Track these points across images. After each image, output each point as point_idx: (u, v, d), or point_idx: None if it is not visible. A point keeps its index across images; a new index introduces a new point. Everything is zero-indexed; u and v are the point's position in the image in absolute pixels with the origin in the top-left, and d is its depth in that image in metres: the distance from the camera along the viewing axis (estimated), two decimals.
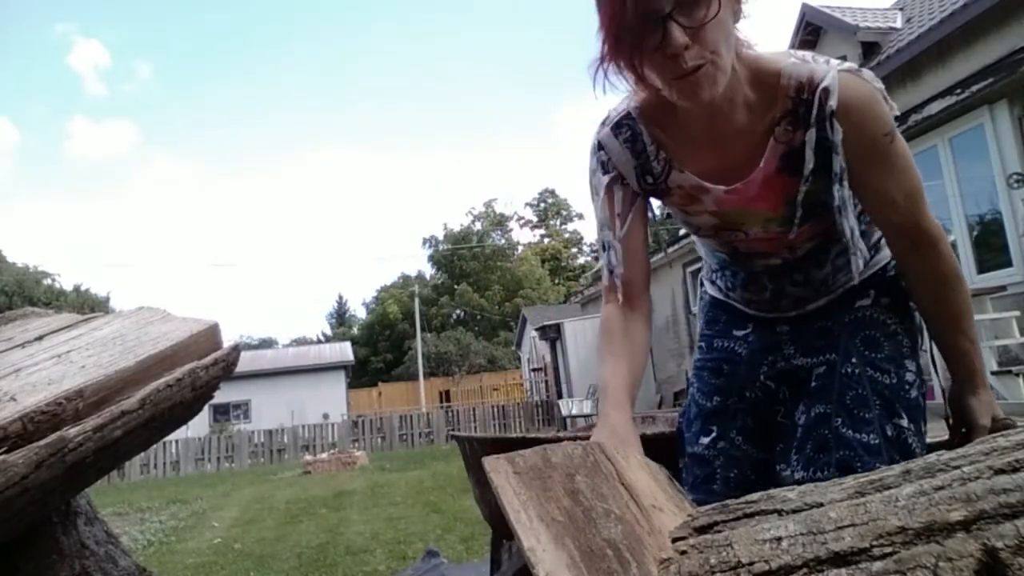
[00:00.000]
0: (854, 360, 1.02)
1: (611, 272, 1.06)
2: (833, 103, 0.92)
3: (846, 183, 0.94)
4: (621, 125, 1.05)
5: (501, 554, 1.25)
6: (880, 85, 0.96)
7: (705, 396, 1.17)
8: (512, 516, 0.47)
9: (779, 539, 0.48)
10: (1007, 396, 5.15)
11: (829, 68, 0.94)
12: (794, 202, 0.98)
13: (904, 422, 0.99)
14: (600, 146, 1.07)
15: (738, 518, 0.54)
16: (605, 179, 1.06)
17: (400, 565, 3.43)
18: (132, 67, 66.73)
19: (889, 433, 0.97)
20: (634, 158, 1.04)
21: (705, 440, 1.12)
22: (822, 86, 0.92)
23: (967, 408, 1.01)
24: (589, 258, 36.69)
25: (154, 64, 65.97)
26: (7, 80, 57.72)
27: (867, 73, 0.96)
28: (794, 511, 0.53)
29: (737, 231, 1.05)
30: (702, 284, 1.30)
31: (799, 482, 0.94)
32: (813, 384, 1.04)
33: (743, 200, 1.00)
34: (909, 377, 1.03)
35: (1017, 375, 5.28)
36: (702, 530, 0.53)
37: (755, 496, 0.58)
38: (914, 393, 1.03)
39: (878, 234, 1.09)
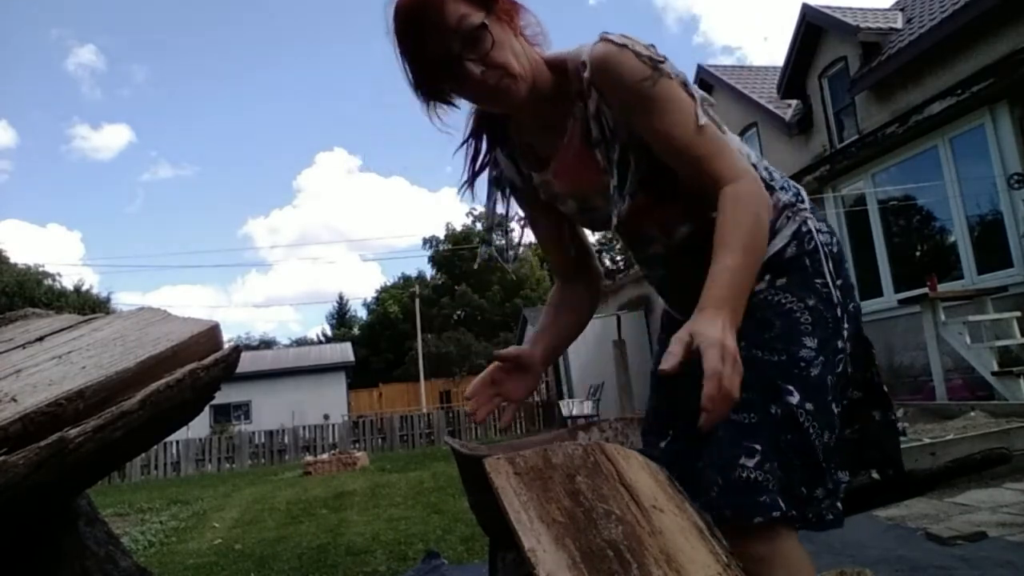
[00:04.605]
0: (742, 344, 0.96)
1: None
2: (587, 74, 1.02)
3: (615, 147, 1.04)
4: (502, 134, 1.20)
5: (498, 562, 1.25)
6: (628, 42, 1.01)
7: (660, 399, 1.18)
8: (513, 517, 0.46)
9: None
10: (1008, 396, 5.15)
11: (589, 44, 1.03)
12: (609, 171, 1.06)
13: (794, 399, 0.95)
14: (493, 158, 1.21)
15: None
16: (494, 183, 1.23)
17: (401, 566, 3.42)
18: (128, 71, 66.94)
19: (773, 411, 0.94)
20: (512, 162, 1.19)
21: (663, 444, 1.13)
22: (581, 60, 1.03)
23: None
24: None
25: (149, 68, 66.11)
26: (5, 83, 57.89)
27: (616, 35, 1.02)
28: None
29: (594, 211, 1.15)
30: None
31: (691, 464, 0.96)
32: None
33: (571, 179, 1.12)
34: (803, 354, 0.99)
35: (1018, 375, 5.27)
36: None
37: None
38: (815, 371, 0.98)
39: (770, 218, 1.07)
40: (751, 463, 0.90)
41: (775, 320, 1.01)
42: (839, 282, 1.07)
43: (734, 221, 0.94)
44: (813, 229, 1.09)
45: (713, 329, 0.84)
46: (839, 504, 0.97)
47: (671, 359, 0.81)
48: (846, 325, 1.06)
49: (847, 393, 1.06)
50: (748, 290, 0.93)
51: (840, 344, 1.04)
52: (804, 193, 1.15)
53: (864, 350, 1.11)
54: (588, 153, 1.06)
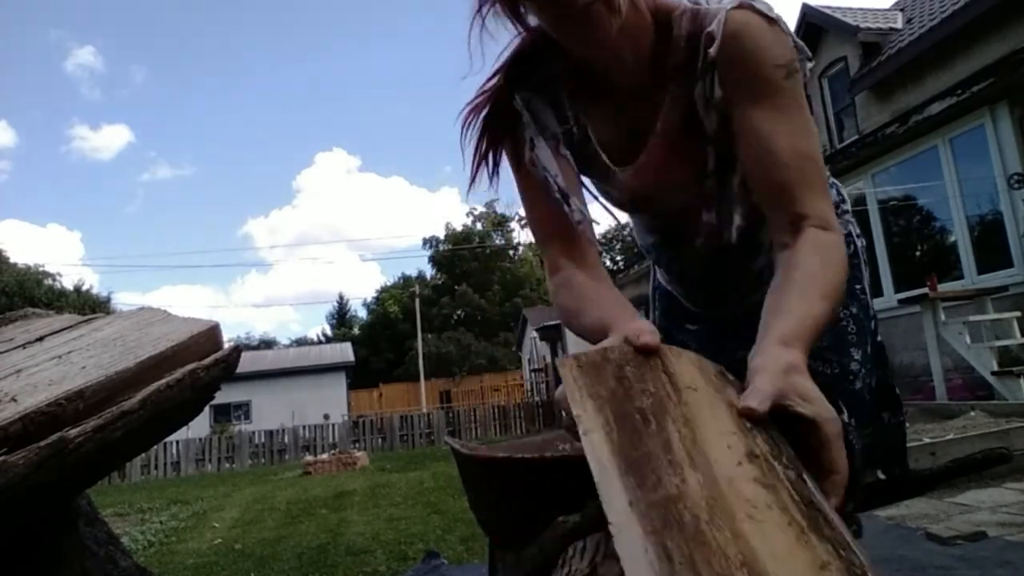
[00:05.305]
0: None
1: (578, 223, 0.90)
2: (714, 50, 0.80)
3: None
4: (542, 84, 0.93)
5: (497, 562, 1.24)
6: (779, 16, 0.82)
7: None
8: (569, 395, 0.60)
9: None
10: (1008, 396, 5.15)
11: (720, 8, 0.82)
12: (704, 165, 0.86)
13: (844, 416, 0.89)
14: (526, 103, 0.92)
15: None
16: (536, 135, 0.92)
17: (401, 566, 3.42)
18: (127, 72, 67.01)
19: None
20: (559, 124, 0.93)
21: None
22: (707, 31, 0.81)
23: (752, 366, 0.66)
24: None
25: (148, 69, 66.12)
26: (5, 84, 57.97)
27: (763, 4, 0.82)
28: None
29: (653, 199, 0.96)
30: (653, 269, 1.22)
31: None
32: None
33: (655, 175, 0.90)
34: (853, 367, 0.94)
35: (1018, 375, 5.27)
36: None
37: None
38: (858, 384, 0.94)
39: None
40: None
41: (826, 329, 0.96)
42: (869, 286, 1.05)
43: (828, 267, 0.75)
44: (854, 233, 1.04)
45: (823, 397, 0.61)
46: (856, 513, 0.95)
47: (764, 401, 0.58)
48: (879, 337, 1.04)
49: None
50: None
51: (870, 352, 1.00)
52: (844, 192, 1.11)
53: (878, 352, 1.08)
54: (687, 144, 0.87)
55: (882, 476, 1.08)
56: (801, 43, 0.83)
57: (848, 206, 1.08)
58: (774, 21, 0.81)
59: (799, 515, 0.49)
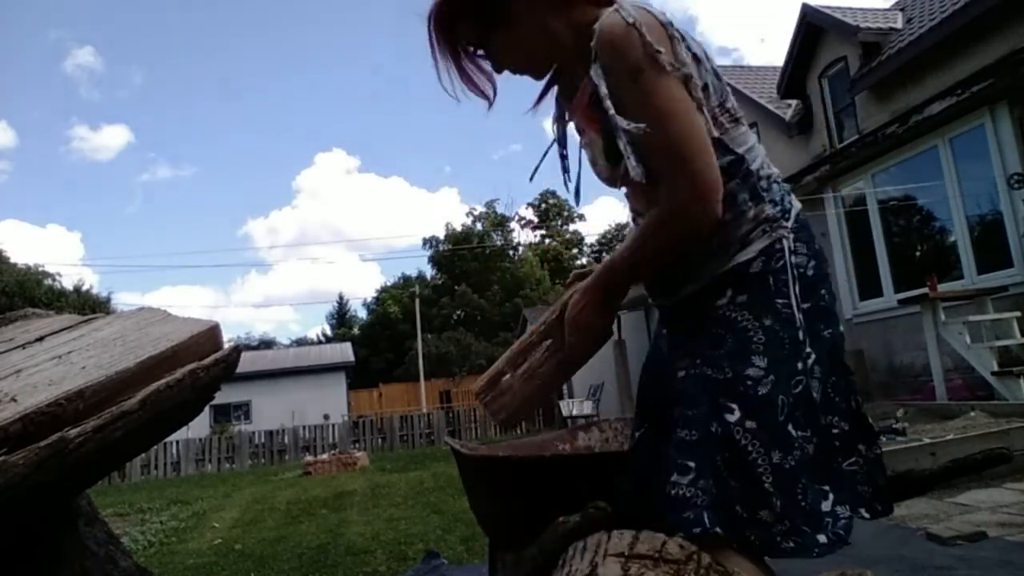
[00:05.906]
0: (697, 360, 1.00)
1: None
2: (593, 42, 0.98)
3: (622, 116, 0.99)
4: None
5: (497, 562, 1.25)
6: (637, 19, 0.95)
7: (639, 395, 1.23)
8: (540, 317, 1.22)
9: None
10: (1008, 396, 5.15)
11: (612, 8, 0.99)
12: (608, 134, 1.04)
13: (733, 417, 0.94)
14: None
15: None
16: None
17: (401, 566, 3.42)
18: (126, 72, 66.97)
19: (713, 429, 0.94)
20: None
21: (637, 434, 1.17)
22: (595, 26, 0.99)
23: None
24: (590, 259, 36.61)
25: (148, 69, 66.02)
26: (5, 84, 57.98)
27: (632, 8, 0.97)
28: None
29: (596, 166, 1.16)
30: None
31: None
32: (675, 386, 1.04)
33: (582, 130, 1.15)
34: (751, 372, 0.97)
35: (1018, 375, 5.27)
36: None
37: None
38: (762, 390, 0.96)
39: (745, 228, 1.04)
40: (684, 480, 0.93)
41: (728, 337, 1.00)
42: (806, 306, 1.03)
43: (643, 232, 1.04)
44: (786, 248, 1.03)
45: (576, 295, 1.11)
46: (819, 535, 0.94)
47: (552, 312, 1.16)
48: (809, 349, 1.02)
49: (826, 420, 1.03)
50: (625, 271, 1.08)
51: (800, 366, 1.00)
52: (795, 211, 1.08)
53: (844, 378, 1.08)
54: (596, 114, 1.05)
55: (867, 515, 1.07)
56: (659, 35, 0.96)
57: (789, 221, 1.06)
58: (631, 27, 0.95)
59: (510, 356, 1.15)
